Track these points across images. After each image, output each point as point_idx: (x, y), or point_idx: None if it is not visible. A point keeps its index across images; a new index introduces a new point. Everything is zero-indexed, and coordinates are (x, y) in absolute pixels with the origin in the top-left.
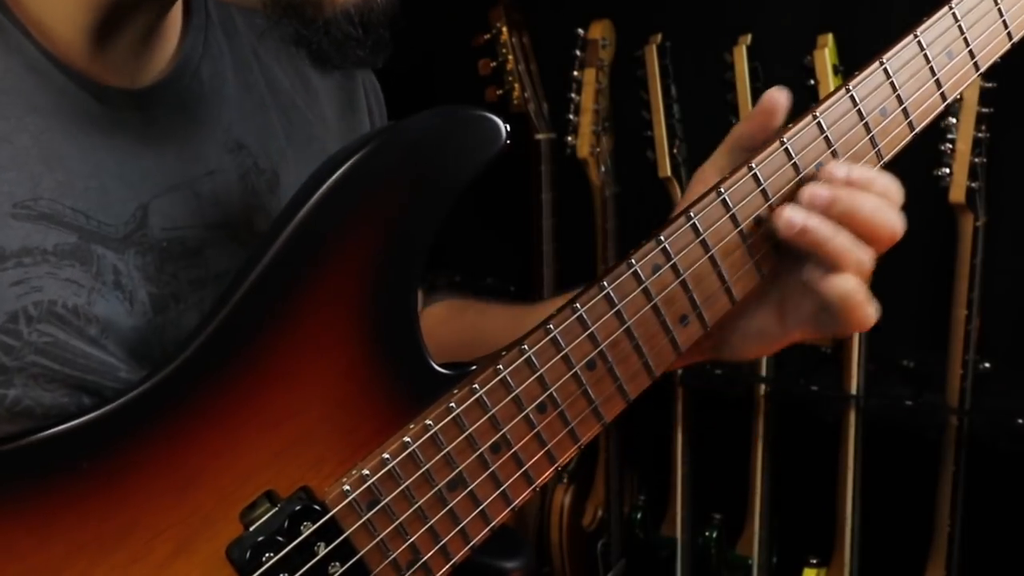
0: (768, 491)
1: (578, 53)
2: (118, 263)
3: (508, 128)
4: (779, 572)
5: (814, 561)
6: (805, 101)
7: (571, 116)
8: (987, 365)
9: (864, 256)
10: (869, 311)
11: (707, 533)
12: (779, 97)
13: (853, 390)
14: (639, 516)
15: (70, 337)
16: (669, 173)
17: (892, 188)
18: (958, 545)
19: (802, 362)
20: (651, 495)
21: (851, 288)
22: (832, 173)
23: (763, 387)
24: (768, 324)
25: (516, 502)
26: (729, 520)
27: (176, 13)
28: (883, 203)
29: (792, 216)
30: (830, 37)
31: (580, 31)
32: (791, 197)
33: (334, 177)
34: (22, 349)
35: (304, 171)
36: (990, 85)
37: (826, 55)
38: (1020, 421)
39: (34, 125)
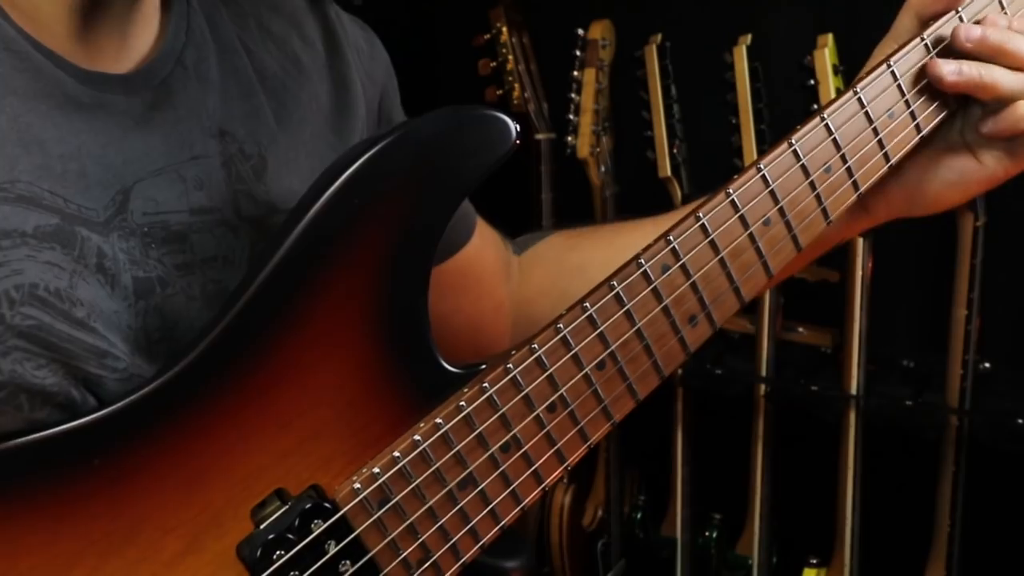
0: (768, 491)
1: (578, 53)
2: (103, 245)
3: (518, 128)
4: (779, 572)
5: (814, 561)
6: (805, 101)
7: (571, 116)
8: (987, 365)
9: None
10: None
11: (707, 533)
12: None
13: (853, 390)
14: (639, 516)
15: (55, 320)
16: (669, 173)
17: None
18: (958, 545)
19: (802, 362)
20: (651, 495)
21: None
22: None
23: (763, 387)
24: (966, 167)
25: (526, 501)
26: (729, 520)
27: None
28: None
29: (944, 65)
30: (830, 37)
31: (580, 31)
32: (802, 198)
33: (344, 176)
34: (4, 333)
35: (295, 154)
36: None
37: (826, 55)
38: (1020, 421)
39: (12, 108)
